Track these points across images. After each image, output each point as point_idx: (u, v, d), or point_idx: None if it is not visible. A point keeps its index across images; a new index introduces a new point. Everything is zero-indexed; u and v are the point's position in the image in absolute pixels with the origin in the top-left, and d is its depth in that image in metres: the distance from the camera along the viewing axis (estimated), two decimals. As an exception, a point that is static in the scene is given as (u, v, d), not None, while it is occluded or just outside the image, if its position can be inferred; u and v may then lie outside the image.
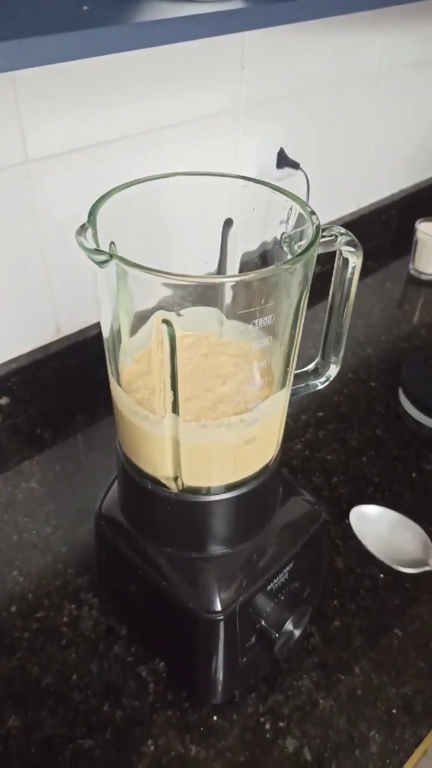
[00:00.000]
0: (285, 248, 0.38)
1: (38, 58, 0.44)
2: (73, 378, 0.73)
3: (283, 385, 0.40)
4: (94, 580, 0.57)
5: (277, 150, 0.82)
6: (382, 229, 1.07)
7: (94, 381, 0.72)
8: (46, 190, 0.62)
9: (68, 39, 0.45)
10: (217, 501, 0.42)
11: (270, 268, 0.33)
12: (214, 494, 0.42)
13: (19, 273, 0.65)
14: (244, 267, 0.45)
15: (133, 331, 0.42)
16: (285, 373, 0.40)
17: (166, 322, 0.34)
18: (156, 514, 0.44)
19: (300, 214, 0.39)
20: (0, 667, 0.51)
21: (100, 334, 0.42)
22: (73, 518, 0.63)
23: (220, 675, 0.47)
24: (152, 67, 0.64)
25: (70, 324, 0.72)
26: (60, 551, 0.60)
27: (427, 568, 0.54)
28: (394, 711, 0.50)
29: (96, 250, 0.33)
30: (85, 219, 0.36)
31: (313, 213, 0.37)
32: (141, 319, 0.42)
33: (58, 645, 0.53)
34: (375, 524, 0.56)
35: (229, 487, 0.42)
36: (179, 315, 0.42)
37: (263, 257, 0.44)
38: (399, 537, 0.56)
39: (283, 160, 0.82)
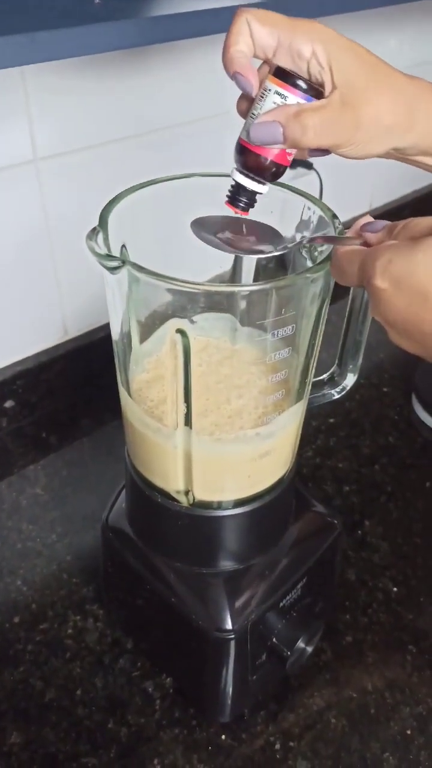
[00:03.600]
0: (305, 253, 0.37)
1: (51, 53, 0.43)
2: (80, 381, 0.72)
3: (300, 397, 0.38)
4: (100, 590, 0.55)
5: (290, 149, 0.80)
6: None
7: (101, 384, 0.71)
8: (55, 188, 0.61)
9: (82, 33, 0.43)
10: (229, 516, 0.40)
11: (290, 276, 0.32)
12: (226, 509, 0.40)
13: (26, 272, 0.63)
14: (260, 269, 0.43)
15: (144, 337, 0.40)
16: (303, 384, 0.38)
17: (180, 332, 0.32)
18: (165, 527, 0.42)
19: (321, 218, 0.37)
20: (2, 680, 0.50)
21: (108, 336, 0.40)
22: (79, 525, 0.61)
23: (230, 693, 0.46)
24: (164, 61, 0.62)
25: (78, 325, 0.71)
26: (65, 560, 0.58)
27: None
28: (409, 732, 0.48)
29: (107, 255, 0.31)
30: (96, 217, 0.35)
31: (335, 217, 0.36)
32: (151, 323, 0.40)
33: (62, 658, 0.51)
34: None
35: (242, 502, 0.40)
36: (192, 322, 0.40)
37: (281, 260, 0.42)
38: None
39: (296, 161, 0.80)
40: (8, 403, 0.67)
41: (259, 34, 0.32)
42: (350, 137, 0.33)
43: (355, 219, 0.35)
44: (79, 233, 0.36)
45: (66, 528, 0.61)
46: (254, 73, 0.33)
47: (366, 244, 0.30)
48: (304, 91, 0.32)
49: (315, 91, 0.33)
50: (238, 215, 0.36)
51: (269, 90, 0.33)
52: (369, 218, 0.32)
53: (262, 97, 0.33)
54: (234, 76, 0.33)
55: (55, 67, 0.55)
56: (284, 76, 0.32)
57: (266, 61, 0.34)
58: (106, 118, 0.61)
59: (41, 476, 0.66)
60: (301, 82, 0.32)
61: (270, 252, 0.34)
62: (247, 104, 0.34)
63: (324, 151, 0.35)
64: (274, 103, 0.33)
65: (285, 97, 0.32)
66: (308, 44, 0.32)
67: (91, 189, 0.61)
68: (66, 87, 0.57)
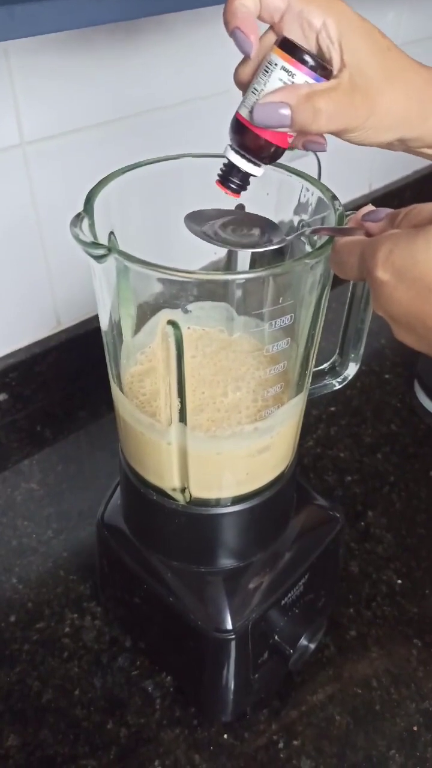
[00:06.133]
0: (303, 238, 0.35)
1: (31, 28, 0.41)
2: (74, 372, 0.70)
3: (300, 389, 0.37)
4: (97, 587, 0.54)
5: (288, 130, 0.77)
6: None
7: (96, 375, 0.69)
8: (44, 174, 0.59)
9: (64, 6, 0.41)
10: (227, 513, 0.39)
11: (287, 263, 0.30)
12: (225, 506, 0.39)
13: (16, 261, 0.62)
14: (257, 256, 0.41)
15: (135, 328, 0.39)
16: (303, 376, 0.36)
17: (171, 323, 0.30)
18: (161, 526, 0.41)
19: (320, 199, 0.35)
20: (-2, 681, 0.49)
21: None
22: (75, 521, 0.60)
23: (231, 692, 0.44)
24: (157, 37, 0.60)
25: (71, 315, 0.69)
26: (61, 556, 0.57)
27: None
28: (415, 728, 0.47)
29: (93, 243, 0.29)
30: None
31: (335, 198, 0.34)
32: (142, 314, 0.38)
33: (60, 657, 0.50)
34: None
35: (241, 498, 0.39)
36: (186, 312, 0.38)
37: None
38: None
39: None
40: (1, 397, 0.66)
41: None
42: (361, 123, 0.31)
43: (354, 200, 0.33)
44: (68, 220, 0.34)
45: (62, 524, 0.60)
46: (256, 33, 0.30)
47: (368, 234, 0.28)
48: (312, 68, 0.30)
49: (324, 69, 0.30)
50: (233, 209, 0.34)
51: (275, 64, 0.30)
52: (371, 207, 0.30)
53: (267, 72, 0.30)
54: (233, 32, 0.30)
55: (41, 45, 0.52)
56: (292, 49, 0.30)
57: (272, 27, 0.31)
58: (97, 99, 0.59)
59: (36, 471, 0.65)
60: (309, 58, 0.30)
61: (268, 246, 0.32)
62: (247, 73, 0.32)
63: (319, 143, 0.34)
64: (280, 80, 0.30)
65: (293, 75, 0.30)
66: (320, 15, 0.29)
67: (82, 174, 0.59)
68: (53, 66, 0.54)
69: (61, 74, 0.55)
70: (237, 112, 0.32)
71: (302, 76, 0.30)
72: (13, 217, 0.59)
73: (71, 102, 0.57)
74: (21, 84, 0.53)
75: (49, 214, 0.61)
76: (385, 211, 0.28)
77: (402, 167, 1.01)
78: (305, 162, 0.79)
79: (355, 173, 0.94)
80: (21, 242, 0.61)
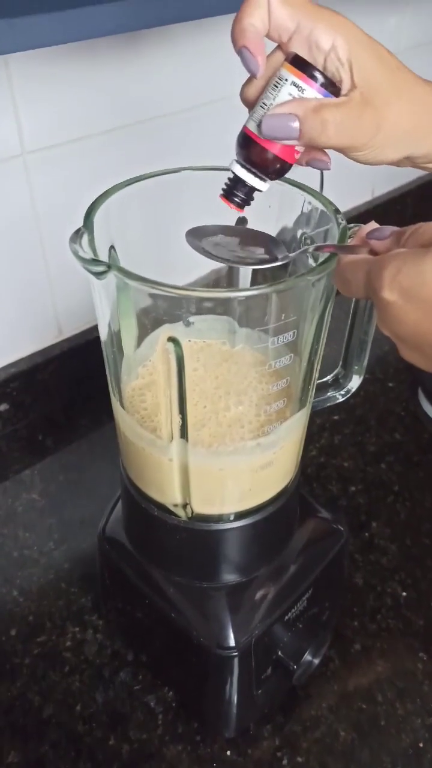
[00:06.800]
0: (306, 253, 0.34)
1: (32, 40, 0.40)
2: (75, 381, 0.70)
3: (303, 404, 0.36)
4: (99, 600, 0.53)
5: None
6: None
7: (97, 384, 0.69)
8: (45, 183, 0.58)
9: (65, 18, 0.41)
10: (229, 529, 0.38)
11: (290, 279, 0.29)
12: (227, 522, 0.38)
13: (17, 270, 0.61)
14: (258, 271, 0.41)
15: (135, 343, 0.38)
16: (306, 390, 0.36)
17: (172, 340, 0.30)
18: (163, 541, 0.40)
19: (323, 212, 0.35)
20: (-1, 696, 0.48)
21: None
22: (77, 532, 0.59)
23: (234, 708, 0.44)
24: (158, 45, 0.60)
25: (73, 324, 0.69)
26: (63, 568, 0.56)
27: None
28: (421, 744, 0.47)
29: (93, 260, 0.29)
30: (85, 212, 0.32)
31: (337, 211, 0.33)
32: (143, 329, 0.38)
33: (61, 671, 0.50)
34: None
35: (243, 514, 0.38)
36: (188, 324, 0.38)
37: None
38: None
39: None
40: (2, 407, 0.65)
41: (278, 14, 0.30)
42: (369, 140, 0.31)
43: (357, 207, 0.32)
44: (70, 230, 0.34)
45: (63, 534, 0.59)
46: (263, 53, 0.30)
47: (373, 252, 0.28)
48: (323, 85, 0.30)
49: (333, 86, 0.30)
50: (235, 225, 0.34)
51: (285, 80, 0.30)
52: (375, 224, 0.30)
53: (276, 87, 0.30)
54: (240, 50, 0.30)
55: (42, 55, 0.52)
56: (303, 65, 0.30)
57: (280, 46, 0.31)
58: (97, 106, 0.59)
59: (37, 481, 0.64)
60: (319, 75, 0.30)
61: (270, 263, 0.32)
62: (254, 91, 0.32)
63: (323, 160, 0.33)
64: (290, 94, 0.30)
65: (302, 90, 0.30)
66: (329, 36, 0.29)
67: (83, 183, 0.59)
68: (54, 75, 0.54)
69: (63, 83, 0.55)
70: (244, 126, 0.32)
71: (312, 92, 0.30)
72: (14, 227, 0.59)
73: (72, 109, 0.57)
74: (21, 93, 0.53)
75: (50, 224, 0.61)
76: (390, 229, 0.28)
77: (404, 174, 1.01)
78: (307, 169, 0.79)
79: (357, 180, 0.94)
80: (22, 253, 0.61)
